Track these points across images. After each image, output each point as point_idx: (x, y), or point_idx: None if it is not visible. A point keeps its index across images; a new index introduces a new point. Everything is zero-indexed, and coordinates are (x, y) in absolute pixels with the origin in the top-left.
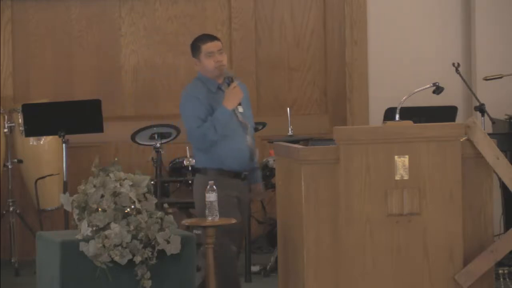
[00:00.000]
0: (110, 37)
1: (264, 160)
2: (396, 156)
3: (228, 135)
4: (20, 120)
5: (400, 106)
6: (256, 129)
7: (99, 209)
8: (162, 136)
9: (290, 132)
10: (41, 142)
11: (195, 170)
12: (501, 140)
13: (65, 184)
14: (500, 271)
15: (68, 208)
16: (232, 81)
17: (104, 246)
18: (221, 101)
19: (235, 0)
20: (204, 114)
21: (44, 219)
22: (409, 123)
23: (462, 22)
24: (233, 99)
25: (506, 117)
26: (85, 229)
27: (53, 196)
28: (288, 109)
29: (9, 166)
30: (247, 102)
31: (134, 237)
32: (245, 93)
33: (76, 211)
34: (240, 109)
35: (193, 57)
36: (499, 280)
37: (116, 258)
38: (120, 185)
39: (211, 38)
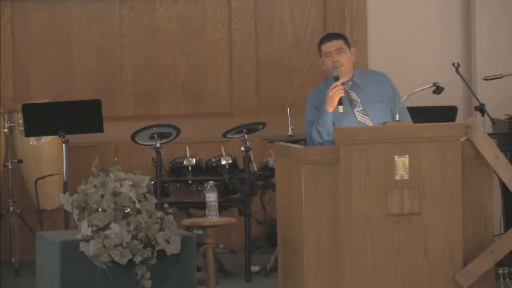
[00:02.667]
0: (110, 37)
1: (264, 160)
2: (396, 156)
3: None
4: (20, 120)
5: (400, 106)
6: (256, 129)
7: (99, 209)
8: (162, 136)
9: (290, 132)
10: (41, 142)
11: None
12: (501, 140)
13: (65, 184)
14: (500, 271)
15: (68, 208)
16: (335, 80)
17: (104, 246)
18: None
19: (235, 0)
20: (313, 118)
21: (44, 219)
22: (409, 123)
23: (462, 22)
24: (331, 100)
25: (506, 117)
26: (85, 229)
27: (53, 196)
28: (288, 109)
29: (9, 166)
30: (380, 96)
31: (134, 237)
32: (377, 88)
33: (76, 211)
34: (340, 109)
35: (319, 56)
36: (499, 280)
37: (116, 258)
38: (120, 185)
39: (329, 38)
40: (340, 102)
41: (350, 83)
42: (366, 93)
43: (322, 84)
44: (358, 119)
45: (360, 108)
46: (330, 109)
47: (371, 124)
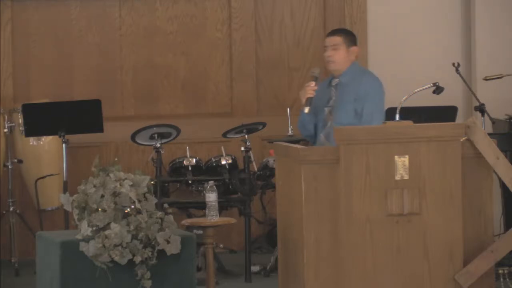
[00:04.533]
0: (110, 37)
1: (264, 160)
2: (396, 156)
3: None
4: (20, 120)
5: (400, 106)
6: (256, 129)
7: (99, 209)
8: (162, 136)
9: (290, 132)
10: (41, 142)
11: None
12: (501, 140)
13: (65, 184)
14: (500, 271)
15: (68, 208)
16: (312, 80)
17: (104, 246)
18: (322, 97)
19: (235, 0)
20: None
21: (44, 219)
22: (409, 123)
23: (462, 22)
24: (301, 99)
25: (506, 117)
26: (85, 229)
27: (53, 196)
28: (288, 109)
29: (9, 166)
30: (349, 99)
31: (134, 237)
32: (355, 90)
33: (76, 211)
34: (306, 110)
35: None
36: (499, 280)
37: (116, 258)
38: (120, 185)
39: (332, 32)
40: (308, 103)
41: (337, 80)
42: (343, 94)
43: (324, 80)
44: (324, 117)
45: (329, 107)
46: (302, 107)
47: (328, 124)
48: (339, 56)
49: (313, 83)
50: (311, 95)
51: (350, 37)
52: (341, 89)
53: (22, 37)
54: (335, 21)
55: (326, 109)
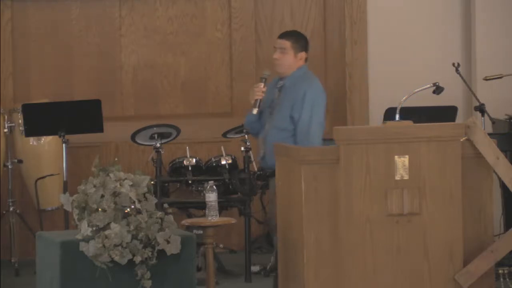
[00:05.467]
0: (110, 37)
1: None
2: (396, 156)
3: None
4: (20, 120)
5: (400, 106)
6: None
7: (99, 209)
8: (162, 136)
9: None
10: (41, 142)
11: None
12: (501, 140)
13: (65, 184)
14: (500, 271)
15: (68, 208)
16: (261, 81)
17: (104, 246)
18: (268, 97)
19: (235, 0)
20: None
21: (44, 219)
22: (409, 123)
23: (462, 22)
24: (251, 101)
25: (506, 117)
26: (85, 229)
27: (53, 196)
28: None
29: (9, 166)
30: (289, 104)
31: (134, 237)
32: (292, 95)
33: (76, 211)
34: (254, 111)
35: None
36: (499, 280)
37: (116, 258)
38: (120, 185)
39: (281, 35)
40: (256, 105)
41: (282, 82)
42: (284, 98)
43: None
44: (266, 118)
45: (270, 109)
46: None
47: (267, 126)
48: (285, 59)
49: (262, 85)
50: (259, 97)
51: (301, 43)
52: (283, 93)
53: (22, 37)
54: (335, 21)
55: (255, 110)
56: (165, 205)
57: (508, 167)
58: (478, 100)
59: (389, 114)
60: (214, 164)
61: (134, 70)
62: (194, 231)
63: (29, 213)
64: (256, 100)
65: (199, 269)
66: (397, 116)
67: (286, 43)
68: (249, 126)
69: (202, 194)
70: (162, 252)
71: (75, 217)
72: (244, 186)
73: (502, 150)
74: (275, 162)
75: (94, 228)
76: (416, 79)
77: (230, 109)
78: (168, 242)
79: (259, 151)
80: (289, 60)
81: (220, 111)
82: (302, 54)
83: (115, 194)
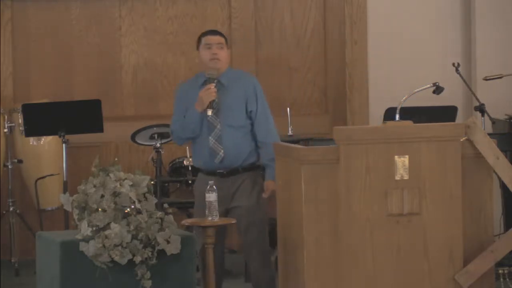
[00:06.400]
0: (110, 37)
1: None
2: (396, 156)
3: (198, 135)
4: (20, 120)
5: (400, 106)
6: None
7: (99, 209)
8: (162, 136)
9: (290, 132)
10: (41, 142)
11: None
12: (501, 140)
13: (65, 184)
14: (500, 271)
15: (68, 208)
16: (209, 82)
17: (104, 246)
18: (195, 98)
19: (235, 0)
20: (182, 111)
21: (44, 219)
22: (409, 123)
23: (462, 22)
24: (201, 102)
25: (506, 117)
26: (85, 229)
27: (53, 196)
28: (288, 109)
29: (9, 166)
30: (240, 100)
31: (134, 237)
32: (243, 91)
33: (76, 211)
34: (209, 112)
35: (197, 49)
36: (499, 280)
37: (116, 258)
38: (120, 185)
39: (213, 32)
40: (210, 106)
41: (216, 81)
42: (228, 95)
43: (192, 80)
44: (208, 118)
45: (214, 109)
46: (200, 109)
47: (218, 126)
48: (224, 55)
49: (212, 85)
50: (213, 98)
51: (227, 41)
52: (224, 90)
53: (22, 37)
54: (335, 21)
55: (210, 111)
56: (165, 205)
57: (508, 167)
58: (478, 100)
59: (389, 114)
60: None
61: (134, 70)
62: (194, 231)
63: (29, 213)
64: (212, 101)
65: (199, 269)
66: (397, 116)
67: (222, 39)
68: (187, 130)
69: None
70: (162, 252)
71: (75, 217)
72: None
73: (502, 150)
74: (237, 160)
75: (94, 228)
76: (416, 79)
77: None
78: (168, 242)
79: (211, 156)
80: (226, 56)
81: None
82: (229, 51)
83: (115, 194)
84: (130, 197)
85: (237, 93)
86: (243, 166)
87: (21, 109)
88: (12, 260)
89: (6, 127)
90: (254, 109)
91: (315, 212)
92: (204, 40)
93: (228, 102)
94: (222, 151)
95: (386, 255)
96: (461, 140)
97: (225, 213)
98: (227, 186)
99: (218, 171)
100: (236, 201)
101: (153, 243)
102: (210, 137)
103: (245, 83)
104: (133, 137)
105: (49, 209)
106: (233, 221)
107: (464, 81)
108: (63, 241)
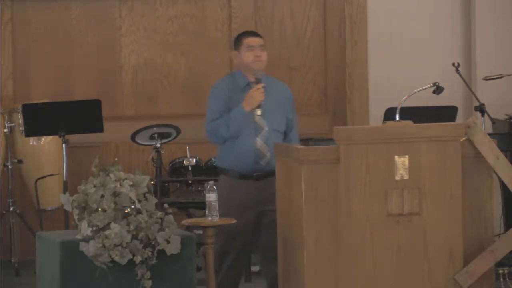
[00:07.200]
0: (110, 37)
1: None
2: (396, 156)
3: (239, 136)
4: (20, 120)
5: (400, 106)
6: None
7: (99, 209)
8: (162, 136)
9: None
10: (41, 142)
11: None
12: (501, 140)
13: (65, 184)
14: (500, 271)
15: (68, 208)
16: (258, 82)
17: (104, 246)
18: (243, 99)
19: (235, 0)
20: (222, 109)
21: (44, 219)
22: (409, 123)
23: (462, 22)
24: (252, 101)
25: (506, 117)
26: (85, 229)
27: (53, 196)
28: None
29: (9, 166)
30: (281, 105)
31: (134, 237)
32: (281, 97)
33: (76, 211)
34: (258, 112)
35: (234, 50)
36: (499, 280)
37: (116, 258)
38: (120, 185)
39: (254, 34)
40: (259, 106)
41: (260, 83)
42: (270, 99)
43: (229, 79)
44: (256, 118)
45: (260, 110)
46: (247, 108)
47: (266, 128)
48: (265, 57)
49: (261, 85)
50: (263, 98)
51: None
52: (268, 93)
53: (22, 37)
54: (335, 21)
55: (259, 111)
56: (165, 205)
57: (508, 167)
58: (478, 100)
59: (389, 114)
60: (214, 164)
61: (134, 70)
62: (194, 231)
63: (29, 213)
64: (261, 101)
65: (199, 269)
66: (397, 116)
67: (263, 41)
68: (234, 129)
69: (202, 194)
70: (162, 252)
71: (75, 217)
72: None
73: (502, 150)
74: (274, 163)
75: (94, 228)
76: (416, 79)
77: None
78: (168, 242)
79: (256, 157)
80: (266, 58)
81: None
82: None
83: (115, 194)
84: (130, 197)
85: (277, 98)
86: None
87: (21, 109)
88: (12, 260)
89: (6, 127)
90: (291, 116)
91: (315, 212)
92: (246, 42)
93: (271, 106)
94: (269, 153)
95: (386, 255)
96: (461, 140)
97: (257, 216)
98: (260, 189)
99: (255, 173)
100: (272, 204)
101: (153, 243)
102: (257, 138)
103: (282, 89)
104: (133, 137)
105: (49, 209)
106: (233, 221)
107: (464, 81)
108: (63, 241)
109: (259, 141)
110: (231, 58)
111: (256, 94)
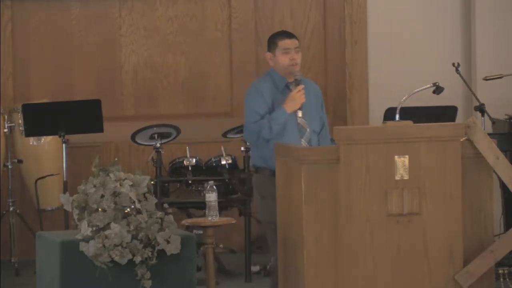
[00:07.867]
0: (110, 37)
1: None
2: (396, 156)
3: (282, 137)
4: (20, 120)
5: (400, 106)
6: None
7: (99, 209)
8: (162, 136)
9: None
10: (41, 142)
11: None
12: (501, 140)
13: (65, 184)
14: (500, 271)
15: (68, 208)
16: (298, 84)
17: (104, 246)
18: (284, 100)
19: (235, 0)
20: (264, 110)
21: (44, 219)
22: (409, 123)
23: (462, 22)
24: (294, 103)
25: (506, 117)
26: (85, 229)
27: (53, 196)
28: None
29: (9, 166)
30: (316, 105)
31: (134, 237)
32: (315, 96)
33: (76, 211)
34: (299, 114)
35: (268, 51)
36: (499, 280)
37: (116, 258)
38: (120, 185)
39: (289, 35)
40: (300, 107)
41: (300, 84)
42: (307, 100)
43: (266, 79)
44: (298, 120)
45: (301, 111)
46: (289, 110)
47: (308, 129)
48: (300, 59)
49: (302, 86)
50: (304, 100)
51: None
52: (305, 95)
53: (22, 37)
54: (335, 21)
55: (300, 113)
56: (165, 205)
57: (508, 167)
58: (478, 100)
59: (389, 114)
60: (214, 164)
61: (134, 70)
62: (194, 231)
63: (29, 213)
64: (302, 103)
65: (199, 269)
66: (397, 116)
67: (297, 42)
68: (276, 130)
69: (202, 194)
70: (162, 252)
71: (75, 217)
72: (244, 186)
73: (502, 150)
74: None
75: (94, 228)
76: (416, 79)
77: (230, 109)
78: (168, 242)
79: None
80: (300, 59)
81: (220, 111)
82: None
83: (115, 194)
84: (130, 197)
85: (312, 99)
86: None
87: (21, 109)
88: (12, 260)
89: (6, 127)
90: (324, 118)
91: (315, 212)
92: (281, 44)
93: (309, 107)
94: None
95: (386, 255)
96: (461, 140)
97: None
98: None
99: None
100: None
101: (153, 243)
102: (302, 140)
103: (315, 90)
104: (133, 137)
105: (49, 209)
106: (233, 221)
107: (464, 81)
108: (63, 241)
109: (303, 142)
110: (231, 58)
111: (298, 96)
